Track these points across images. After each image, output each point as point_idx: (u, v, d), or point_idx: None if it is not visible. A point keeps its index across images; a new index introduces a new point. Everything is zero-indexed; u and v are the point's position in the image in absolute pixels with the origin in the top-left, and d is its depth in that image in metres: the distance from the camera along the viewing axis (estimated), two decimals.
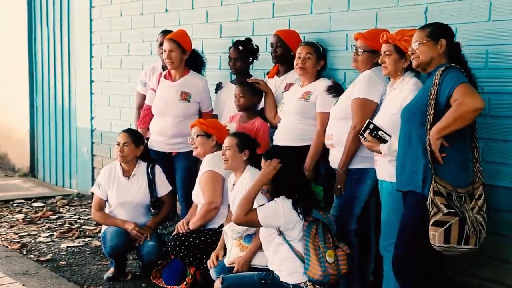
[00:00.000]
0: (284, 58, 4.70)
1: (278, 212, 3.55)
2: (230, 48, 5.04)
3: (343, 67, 4.56)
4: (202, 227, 4.37)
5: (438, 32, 3.34)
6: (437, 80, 3.22)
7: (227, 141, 4.12)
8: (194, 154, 4.55)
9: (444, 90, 3.19)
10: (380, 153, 3.58)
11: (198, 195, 4.43)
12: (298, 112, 4.37)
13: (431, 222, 3.16)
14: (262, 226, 3.61)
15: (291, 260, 3.58)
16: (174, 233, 4.46)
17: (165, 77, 5.12)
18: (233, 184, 4.17)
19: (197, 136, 4.47)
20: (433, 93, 3.22)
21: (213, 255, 4.14)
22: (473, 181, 3.29)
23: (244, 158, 4.08)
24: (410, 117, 3.35)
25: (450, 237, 3.13)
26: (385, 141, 3.56)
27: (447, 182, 3.17)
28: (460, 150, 3.28)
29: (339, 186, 3.99)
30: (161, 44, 5.31)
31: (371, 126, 3.59)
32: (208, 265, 4.14)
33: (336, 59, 4.64)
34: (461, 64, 3.31)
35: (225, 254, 4.10)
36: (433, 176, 3.17)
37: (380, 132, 3.56)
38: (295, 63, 4.42)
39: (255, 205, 3.89)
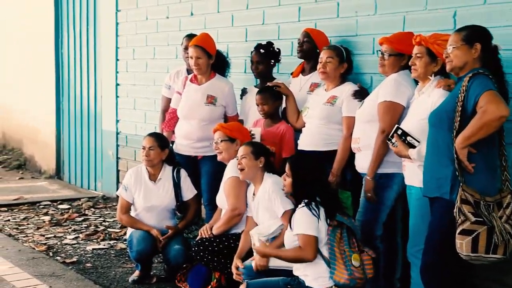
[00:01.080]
0: (310, 55, 4.68)
1: (310, 217, 3.54)
2: (252, 52, 5.04)
3: (370, 71, 4.53)
4: (226, 232, 4.36)
5: (474, 36, 3.27)
6: (464, 87, 3.17)
7: (242, 150, 4.12)
8: (218, 159, 4.54)
9: (470, 96, 3.15)
10: (409, 158, 3.54)
11: (222, 200, 4.43)
12: (324, 117, 4.35)
13: (458, 231, 3.11)
14: (316, 236, 3.56)
15: (317, 264, 3.55)
16: (198, 237, 4.46)
17: (191, 80, 5.13)
18: (253, 194, 4.16)
19: (221, 141, 4.47)
20: (460, 100, 3.18)
21: (236, 261, 4.11)
22: (501, 190, 3.23)
23: (260, 165, 4.09)
24: (437, 122, 3.31)
25: (478, 246, 3.08)
26: (413, 147, 3.51)
27: (474, 190, 3.12)
28: (488, 156, 3.23)
29: (369, 194, 3.95)
30: (186, 48, 5.33)
31: (399, 132, 3.55)
32: (232, 269, 4.13)
33: (363, 63, 4.61)
34: (496, 69, 3.25)
35: (249, 257, 4.09)
36: (461, 184, 3.12)
37: (408, 138, 3.52)
38: (317, 67, 4.40)
39: (281, 211, 3.89)
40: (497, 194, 3.20)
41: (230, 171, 4.37)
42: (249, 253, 4.12)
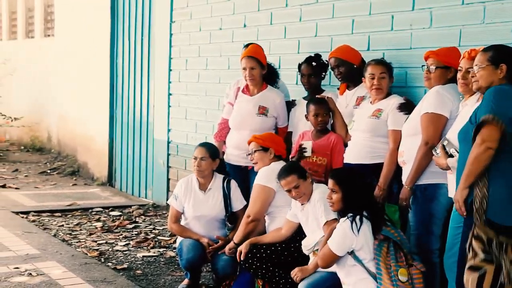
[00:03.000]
0: (350, 76, 4.68)
1: (345, 236, 3.55)
2: (301, 64, 5.04)
3: (424, 84, 4.47)
4: (276, 242, 4.36)
5: (499, 56, 3.25)
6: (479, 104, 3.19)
7: (290, 180, 4.09)
8: (255, 169, 4.62)
9: (479, 114, 3.12)
10: (448, 169, 3.48)
11: None
12: (369, 130, 4.33)
13: (467, 266, 3.08)
14: (341, 256, 3.59)
15: (365, 280, 3.55)
16: (226, 249, 4.52)
17: (243, 91, 5.18)
18: (302, 204, 4.17)
19: (255, 151, 4.55)
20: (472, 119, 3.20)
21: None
22: None
23: (310, 181, 4.13)
24: (464, 137, 3.28)
25: (483, 285, 3.01)
26: (452, 157, 3.48)
27: (489, 227, 3.03)
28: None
29: (404, 203, 3.92)
30: None
31: (445, 142, 3.53)
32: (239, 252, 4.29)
33: (417, 77, 4.55)
34: None
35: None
36: (475, 223, 3.06)
37: (452, 149, 3.48)
38: (368, 83, 4.37)
39: (323, 220, 3.87)
40: None
41: (259, 178, 4.49)
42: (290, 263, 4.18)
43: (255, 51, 5.07)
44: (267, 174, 4.44)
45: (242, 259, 4.29)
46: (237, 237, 4.49)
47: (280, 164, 4.44)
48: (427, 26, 4.51)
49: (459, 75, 3.69)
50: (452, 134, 3.58)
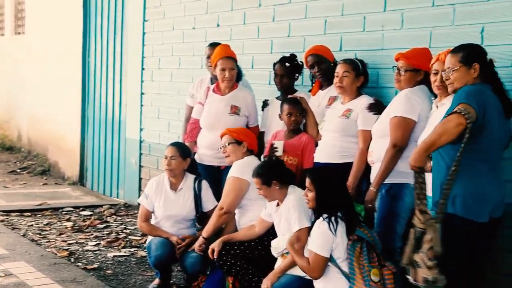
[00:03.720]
0: (329, 72, 4.70)
1: (326, 236, 3.56)
2: (275, 64, 5.05)
3: (394, 86, 4.51)
4: (249, 239, 4.36)
5: (471, 56, 3.29)
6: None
7: (255, 183, 4.14)
8: (227, 162, 4.66)
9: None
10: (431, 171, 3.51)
11: None
12: (339, 130, 4.36)
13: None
14: (328, 257, 3.59)
15: (338, 280, 3.55)
16: (195, 245, 4.50)
17: (213, 91, 5.16)
18: (277, 205, 4.17)
19: (229, 143, 4.58)
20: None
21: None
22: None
23: (277, 188, 4.09)
24: None
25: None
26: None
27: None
28: None
29: (369, 205, 3.96)
30: (208, 57, 5.36)
31: None
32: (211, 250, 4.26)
33: (388, 77, 4.58)
34: (495, 83, 3.29)
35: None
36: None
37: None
38: (334, 81, 4.42)
39: (296, 227, 3.90)
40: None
41: (233, 171, 4.51)
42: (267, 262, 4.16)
43: (231, 51, 5.08)
44: (241, 167, 4.47)
45: (215, 257, 4.27)
46: (206, 231, 4.48)
47: (253, 158, 4.49)
48: (399, 27, 4.55)
49: (435, 78, 3.69)
50: (426, 135, 3.60)
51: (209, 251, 4.31)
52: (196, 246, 4.50)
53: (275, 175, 4.10)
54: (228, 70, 4.99)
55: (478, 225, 3.17)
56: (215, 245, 4.29)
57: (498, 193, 3.26)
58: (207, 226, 4.51)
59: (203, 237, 4.47)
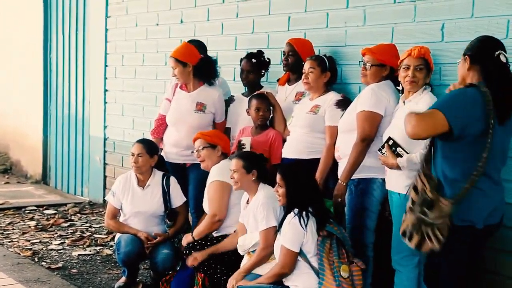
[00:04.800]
0: (295, 67, 4.72)
1: (297, 231, 3.58)
2: (241, 60, 5.06)
3: (359, 81, 4.52)
4: (213, 234, 4.38)
5: (468, 48, 3.17)
6: None
7: (234, 164, 4.13)
8: (202, 167, 4.57)
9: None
10: (396, 168, 3.54)
11: (206, 205, 4.46)
12: (307, 126, 4.39)
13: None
14: (298, 252, 3.61)
15: (308, 275, 3.58)
16: (184, 241, 4.46)
17: (180, 87, 5.14)
18: (247, 202, 4.18)
19: (203, 148, 4.50)
20: None
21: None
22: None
23: (253, 178, 4.08)
24: None
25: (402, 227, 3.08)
26: (401, 157, 3.54)
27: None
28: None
29: (339, 200, 3.99)
30: None
31: (390, 142, 3.58)
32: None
33: (351, 73, 4.65)
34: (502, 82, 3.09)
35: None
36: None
37: (398, 149, 3.54)
38: (302, 77, 4.45)
39: (263, 226, 3.90)
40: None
41: (213, 175, 4.41)
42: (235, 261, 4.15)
43: (176, 51, 5.05)
44: (221, 171, 4.38)
45: (195, 265, 4.22)
46: (198, 234, 4.37)
47: (230, 161, 4.42)
48: (361, 24, 4.60)
49: (406, 73, 3.67)
50: (394, 131, 3.63)
51: (191, 259, 4.24)
52: (184, 244, 4.42)
53: (257, 165, 4.10)
54: (173, 70, 5.02)
55: (471, 231, 3.06)
56: (199, 256, 4.20)
57: (494, 200, 3.10)
58: (201, 230, 4.38)
59: (193, 238, 4.39)
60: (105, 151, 7.72)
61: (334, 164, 4.24)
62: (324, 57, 4.47)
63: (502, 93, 3.00)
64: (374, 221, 4.02)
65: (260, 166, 4.15)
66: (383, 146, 3.61)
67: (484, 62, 3.08)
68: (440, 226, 2.96)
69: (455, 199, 2.96)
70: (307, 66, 4.41)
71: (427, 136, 2.99)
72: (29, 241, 5.98)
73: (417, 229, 3.01)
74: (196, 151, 4.56)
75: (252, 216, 4.05)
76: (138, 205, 4.71)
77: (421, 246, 3.04)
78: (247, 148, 4.63)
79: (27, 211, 7.26)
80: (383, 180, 3.88)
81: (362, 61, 4.10)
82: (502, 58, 3.07)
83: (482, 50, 3.13)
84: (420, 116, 2.94)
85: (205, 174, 4.77)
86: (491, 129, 2.94)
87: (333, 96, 4.40)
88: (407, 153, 3.49)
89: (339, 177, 4.10)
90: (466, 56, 3.14)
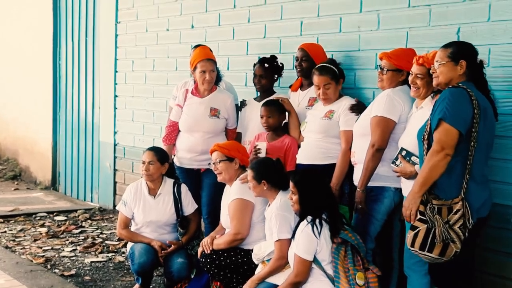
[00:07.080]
0: (309, 72, 4.68)
1: (310, 239, 3.56)
2: (255, 65, 5.04)
3: (372, 86, 4.54)
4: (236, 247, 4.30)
5: (459, 53, 3.32)
6: (434, 105, 3.26)
7: (248, 174, 4.11)
8: (219, 179, 4.46)
9: (434, 119, 3.22)
10: (414, 176, 3.51)
11: (227, 221, 4.36)
12: (321, 131, 4.37)
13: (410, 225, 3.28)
14: (312, 261, 3.59)
15: (323, 283, 3.56)
16: (200, 250, 4.42)
17: (192, 93, 5.11)
18: (268, 205, 4.15)
19: (220, 161, 4.40)
20: (429, 120, 3.28)
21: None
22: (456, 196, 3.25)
23: (265, 188, 4.04)
24: (421, 138, 3.37)
25: (415, 242, 3.22)
26: (416, 165, 3.53)
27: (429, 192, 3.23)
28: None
29: (360, 206, 3.97)
30: None
31: (403, 153, 3.57)
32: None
33: (365, 78, 4.63)
34: (482, 85, 3.34)
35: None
36: None
37: (413, 157, 3.52)
38: (315, 92, 4.42)
39: (275, 237, 3.87)
40: (451, 199, 3.22)
41: (236, 192, 4.29)
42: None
43: (211, 54, 5.04)
44: (243, 189, 4.26)
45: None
46: (218, 246, 4.27)
47: None
48: (375, 28, 4.58)
49: (410, 79, 3.73)
50: (407, 139, 3.65)
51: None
52: (206, 249, 4.35)
53: (266, 175, 4.04)
54: (208, 72, 4.94)
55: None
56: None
57: (483, 194, 3.29)
58: (219, 243, 4.28)
59: (212, 248, 4.33)
60: (115, 157, 7.71)
61: (350, 170, 4.21)
62: (331, 66, 4.40)
63: (486, 94, 3.31)
64: (377, 229, 4.02)
65: (271, 174, 4.07)
66: (396, 158, 3.61)
67: (474, 67, 3.33)
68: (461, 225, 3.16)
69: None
70: (321, 82, 4.34)
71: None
72: (41, 248, 5.96)
73: (445, 236, 3.15)
74: (213, 163, 4.47)
75: (268, 223, 4.03)
76: (150, 214, 4.67)
77: (445, 253, 3.09)
78: (263, 153, 4.60)
79: (37, 218, 7.25)
80: (396, 189, 3.88)
81: (379, 65, 4.07)
82: (484, 63, 3.40)
83: (474, 55, 3.36)
84: (438, 154, 3.16)
85: None
86: (477, 127, 3.18)
87: (347, 101, 4.38)
88: None
89: (354, 182, 4.08)
90: (461, 61, 3.30)
